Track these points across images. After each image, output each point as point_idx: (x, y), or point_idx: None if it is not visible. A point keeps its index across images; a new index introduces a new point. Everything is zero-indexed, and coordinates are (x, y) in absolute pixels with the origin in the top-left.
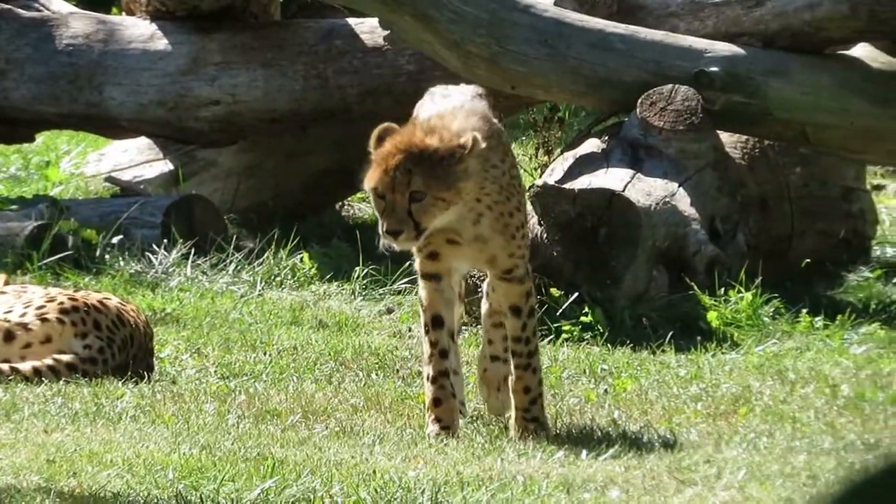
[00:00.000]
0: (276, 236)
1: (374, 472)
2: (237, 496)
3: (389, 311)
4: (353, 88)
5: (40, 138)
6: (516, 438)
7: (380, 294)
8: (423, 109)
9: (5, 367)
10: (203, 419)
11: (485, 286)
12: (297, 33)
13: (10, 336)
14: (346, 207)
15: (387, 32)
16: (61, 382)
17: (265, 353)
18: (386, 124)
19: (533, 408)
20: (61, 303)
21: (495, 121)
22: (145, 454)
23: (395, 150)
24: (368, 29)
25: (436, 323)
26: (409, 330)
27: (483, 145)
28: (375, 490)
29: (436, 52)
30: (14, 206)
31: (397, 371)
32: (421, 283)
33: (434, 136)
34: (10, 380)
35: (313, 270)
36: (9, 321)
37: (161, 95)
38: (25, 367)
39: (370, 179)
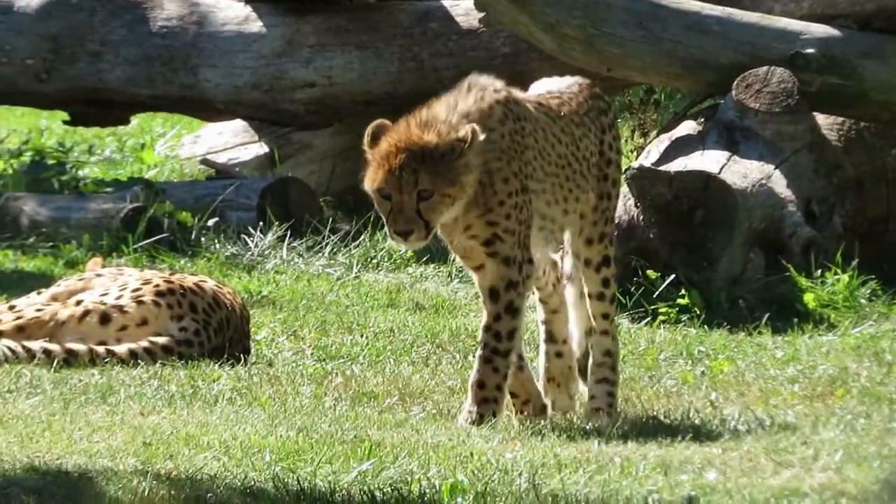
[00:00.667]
0: (371, 218)
1: (472, 454)
2: (334, 478)
3: None
4: (449, 71)
5: (135, 121)
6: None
7: None
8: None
9: (101, 349)
10: (300, 401)
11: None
12: (392, 15)
13: (105, 318)
14: None
15: (482, 15)
16: (157, 365)
17: (362, 336)
18: (379, 121)
19: (485, 407)
20: (157, 285)
21: (511, 97)
22: (242, 437)
23: (395, 148)
24: (463, 11)
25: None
26: None
27: (482, 137)
28: (473, 472)
29: (531, 35)
30: (109, 189)
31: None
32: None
33: (431, 131)
34: (106, 362)
35: (409, 253)
36: (105, 304)
37: (256, 78)
38: (121, 349)
39: (373, 180)
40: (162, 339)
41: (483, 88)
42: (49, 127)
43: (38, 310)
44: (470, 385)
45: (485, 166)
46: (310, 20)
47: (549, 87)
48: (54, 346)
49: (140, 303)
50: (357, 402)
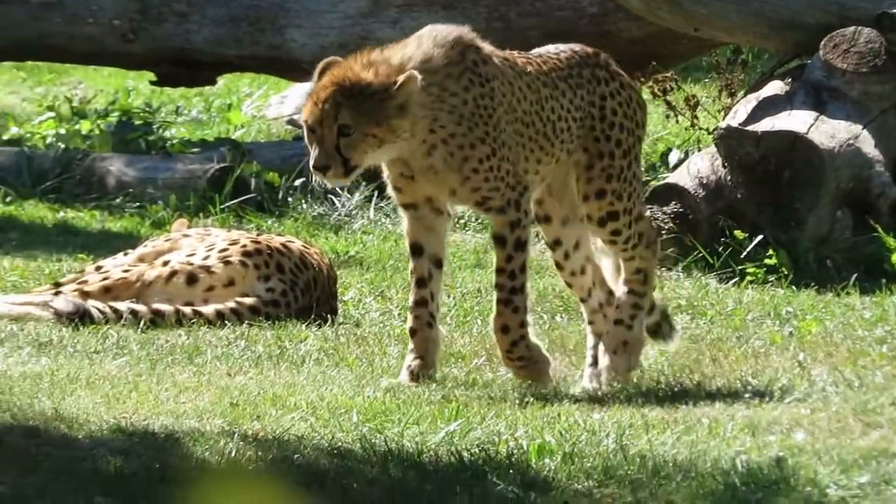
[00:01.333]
0: None
1: (559, 415)
2: (421, 439)
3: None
4: (536, 31)
5: (222, 81)
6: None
7: None
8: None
9: (188, 310)
10: (387, 362)
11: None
12: None
13: (192, 279)
14: None
15: None
16: (244, 326)
17: (449, 296)
18: (330, 58)
19: (515, 349)
20: (244, 245)
21: (474, 48)
22: (329, 397)
23: (328, 83)
24: None
25: (414, 250)
26: None
27: (419, 84)
28: (560, 433)
29: None
30: (196, 150)
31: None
32: (400, 212)
33: (370, 70)
34: (193, 323)
35: None
36: (192, 264)
37: (342, 37)
38: (208, 310)
39: (303, 112)
40: (249, 300)
41: (452, 43)
42: (136, 87)
43: (125, 270)
44: (494, 331)
45: (440, 126)
46: None
47: (533, 51)
48: (141, 307)
49: (227, 263)
50: (445, 363)
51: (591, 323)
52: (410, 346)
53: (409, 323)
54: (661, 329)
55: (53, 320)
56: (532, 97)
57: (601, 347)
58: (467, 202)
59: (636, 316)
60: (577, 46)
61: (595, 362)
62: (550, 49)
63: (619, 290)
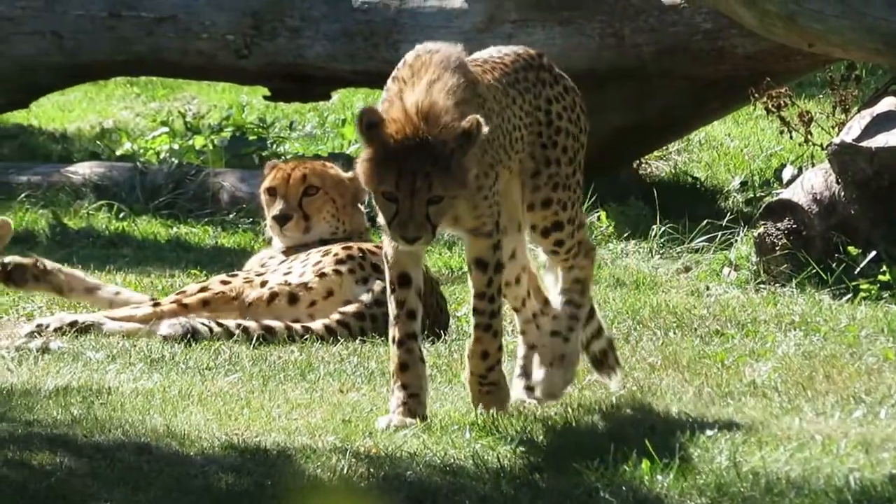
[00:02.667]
0: None
1: (672, 431)
2: (534, 456)
3: (687, 269)
4: (650, 47)
5: (336, 96)
6: (474, 406)
7: (677, 252)
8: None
9: (298, 326)
10: None
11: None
12: None
13: (294, 299)
14: (642, 166)
15: None
16: (357, 341)
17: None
18: (370, 108)
19: (491, 374)
20: (336, 254)
21: (470, 69)
22: (442, 414)
23: (402, 147)
24: None
25: (403, 281)
26: (707, 288)
27: (486, 130)
28: (673, 450)
29: (732, 10)
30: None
31: (695, 330)
32: (385, 239)
33: (436, 125)
34: (305, 339)
35: (610, 229)
36: (290, 284)
37: None
38: (317, 325)
39: (378, 180)
40: (352, 308)
41: (460, 67)
42: (250, 103)
43: (224, 282)
44: (470, 356)
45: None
46: None
47: (477, 56)
48: (251, 323)
49: (322, 276)
50: None
51: (523, 333)
52: (399, 382)
53: (399, 358)
54: (607, 360)
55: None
56: (497, 108)
57: (535, 359)
58: (463, 228)
59: (574, 328)
60: (519, 48)
61: (525, 374)
62: (493, 52)
63: (557, 300)
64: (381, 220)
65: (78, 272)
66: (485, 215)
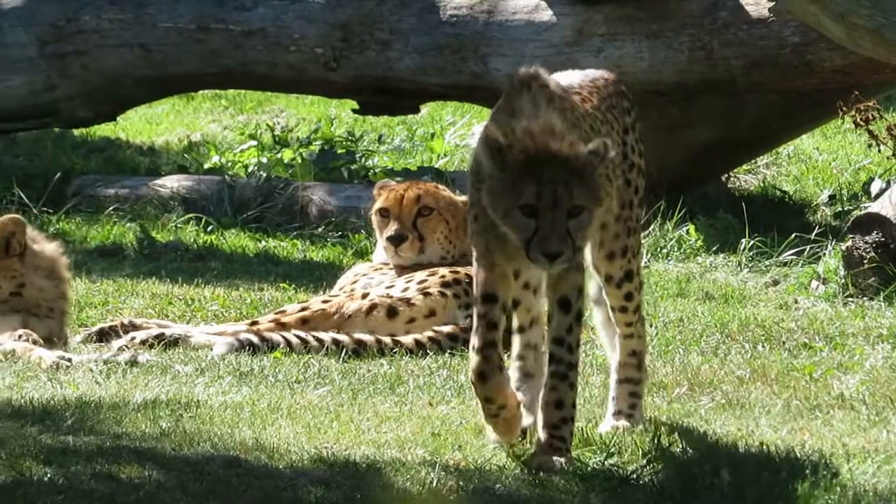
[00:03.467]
0: (661, 208)
1: (761, 444)
2: (624, 468)
3: (775, 282)
4: (738, 60)
5: (425, 109)
6: (532, 463)
7: (766, 266)
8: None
9: (387, 339)
10: (589, 391)
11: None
12: (682, 5)
13: (392, 312)
14: (731, 179)
15: (772, 3)
16: (446, 355)
17: (651, 325)
18: (494, 133)
19: (563, 428)
20: (443, 276)
21: (571, 96)
22: (531, 426)
23: (538, 161)
24: (753, 0)
25: (487, 298)
26: (796, 302)
27: (612, 154)
28: (761, 462)
29: (820, 24)
30: (399, 178)
31: (783, 343)
32: (479, 261)
33: (564, 142)
34: (395, 352)
35: (699, 242)
36: (391, 297)
37: (546, 66)
38: (407, 340)
39: (516, 195)
40: (447, 328)
41: (563, 93)
42: (338, 116)
43: (325, 301)
44: (545, 405)
45: None
46: (600, 9)
47: (570, 80)
48: (343, 337)
49: (426, 294)
50: (647, 392)
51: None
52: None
53: (479, 366)
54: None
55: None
56: (594, 137)
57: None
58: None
59: (636, 406)
60: (605, 73)
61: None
62: (582, 77)
63: (613, 376)
64: (511, 237)
65: (165, 323)
66: (583, 248)
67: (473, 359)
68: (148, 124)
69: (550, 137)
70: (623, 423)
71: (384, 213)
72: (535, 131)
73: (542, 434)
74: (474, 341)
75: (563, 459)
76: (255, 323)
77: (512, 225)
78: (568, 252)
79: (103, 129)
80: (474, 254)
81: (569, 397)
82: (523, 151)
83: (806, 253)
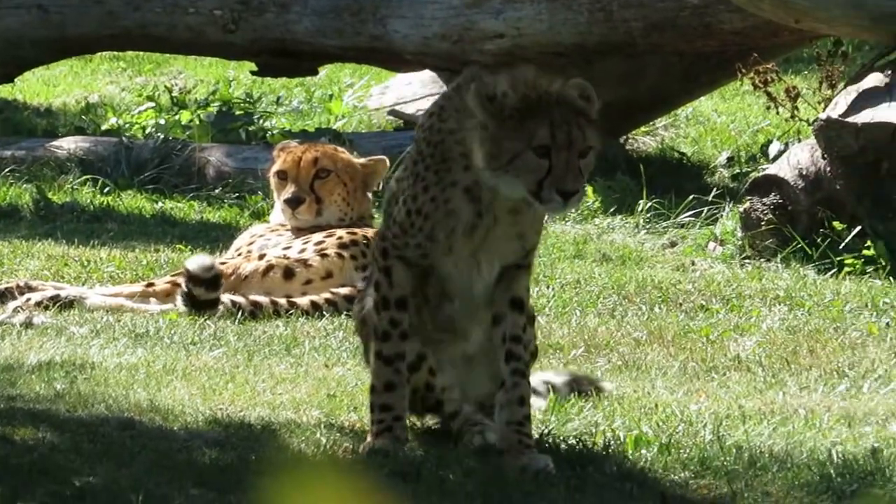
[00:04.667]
0: None
1: (656, 405)
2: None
3: (673, 244)
4: (638, 22)
5: (323, 71)
6: (510, 463)
7: (663, 227)
8: None
9: (283, 301)
10: None
11: None
12: None
13: (289, 273)
14: (629, 141)
15: None
16: (342, 316)
17: (548, 287)
18: (480, 80)
19: (527, 425)
20: (340, 237)
21: None
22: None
23: (546, 101)
24: None
25: (401, 305)
26: (693, 263)
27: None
28: (657, 424)
29: None
30: (297, 140)
31: (680, 304)
32: (395, 262)
33: (559, 83)
34: (290, 314)
35: (597, 204)
36: (288, 258)
37: (445, 28)
38: (303, 301)
39: (527, 136)
40: (344, 290)
41: None
42: (237, 78)
43: (221, 262)
44: (508, 402)
45: None
46: None
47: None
48: (240, 298)
49: (324, 255)
50: (543, 354)
51: None
52: (381, 402)
53: (385, 377)
54: None
55: (152, 312)
56: None
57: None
58: (517, 254)
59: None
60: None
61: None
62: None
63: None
64: (510, 189)
65: (61, 285)
66: (537, 243)
67: (380, 368)
68: (45, 86)
69: (546, 80)
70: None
71: (282, 176)
72: (529, 77)
73: (507, 432)
74: (380, 348)
75: (548, 458)
76: (151, 284)
77: (520, 168)
78: (582, 191)
79: (0, 91)
80: (395, 244)
81: (528, 394)
82: (523, 98)
83: (703, 215)
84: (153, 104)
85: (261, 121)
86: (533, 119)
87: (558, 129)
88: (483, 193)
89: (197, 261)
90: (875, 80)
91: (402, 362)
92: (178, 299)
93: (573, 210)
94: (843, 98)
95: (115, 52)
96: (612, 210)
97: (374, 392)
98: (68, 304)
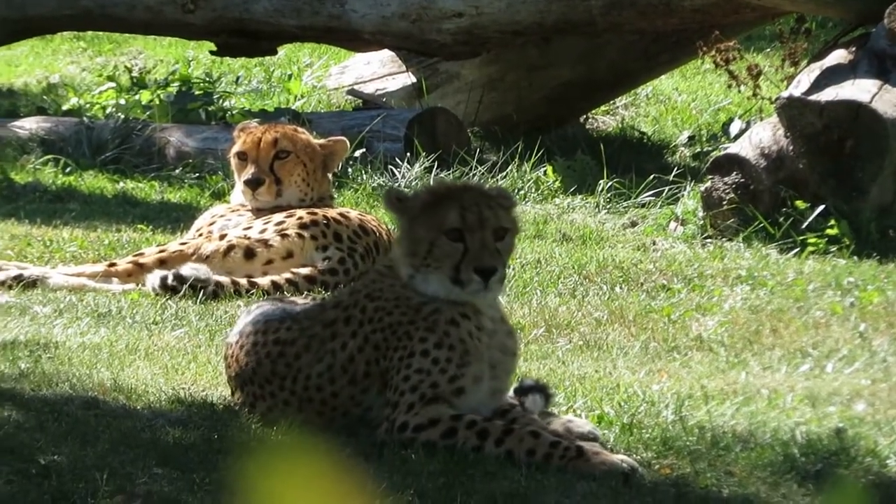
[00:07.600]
0: (519, 149)
1: (618, 385)
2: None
3: (633, 224)
4: (597, 0)
5: (282, 51)
6: None
7: (624, 207)
8: None
9: (243, 281)
10: None
11: None
12: None
13: (250, 253)
14: (589, 120)
15: None
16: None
17: (509, 267)
18: (389, 189)
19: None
20: (300, 217)
21: None
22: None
23: (457, 188)
24: None
25: (456, 417)
26: (654, 243)
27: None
28: (619, 404)
29: None
30: (256, 120)
31: (641, 284)
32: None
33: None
34: (251, 294)
35: (557, 183)
36: (248, 238)
37: (404, 7)
38: (264, 281)
39: (439, 222)
40: (304, 270)
41: None
42: (196, 57)
43: (182, 243)
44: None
45: None
46: None
47: None
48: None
49: (284, 236)
50: None
51: None
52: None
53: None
54: None
55: (115, 292)
56: None
57: None
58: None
59: None
60: None
61: None
62: None
63: None
64: (436, 285)
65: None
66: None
67: (500, 436)
68: (7, 66)
69: (458, 183)
70: None
71: (242, 157)
72: (440, 182)
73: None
74: (482, 441)
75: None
76: (113, 265)
77: (437, 257)
78: (501, 270)
79: None
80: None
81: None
82: (432, 192)
83: (664, 194)
84: (113, 84)
85: (220, 101)
86: (442, 206)
87: (468, 210)
88: None
89: (193, 268)
90: (839, 57)
91: (488, 422)
92: (155, 281)
93: (495, 296)
94: (806, 76)
95: (76, 33)
96: (572, 190)
97: (529, 451)
98: (31, 283)
